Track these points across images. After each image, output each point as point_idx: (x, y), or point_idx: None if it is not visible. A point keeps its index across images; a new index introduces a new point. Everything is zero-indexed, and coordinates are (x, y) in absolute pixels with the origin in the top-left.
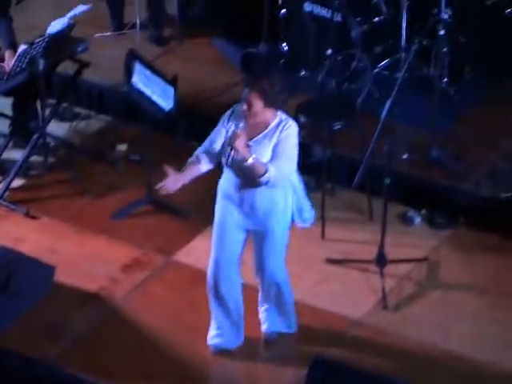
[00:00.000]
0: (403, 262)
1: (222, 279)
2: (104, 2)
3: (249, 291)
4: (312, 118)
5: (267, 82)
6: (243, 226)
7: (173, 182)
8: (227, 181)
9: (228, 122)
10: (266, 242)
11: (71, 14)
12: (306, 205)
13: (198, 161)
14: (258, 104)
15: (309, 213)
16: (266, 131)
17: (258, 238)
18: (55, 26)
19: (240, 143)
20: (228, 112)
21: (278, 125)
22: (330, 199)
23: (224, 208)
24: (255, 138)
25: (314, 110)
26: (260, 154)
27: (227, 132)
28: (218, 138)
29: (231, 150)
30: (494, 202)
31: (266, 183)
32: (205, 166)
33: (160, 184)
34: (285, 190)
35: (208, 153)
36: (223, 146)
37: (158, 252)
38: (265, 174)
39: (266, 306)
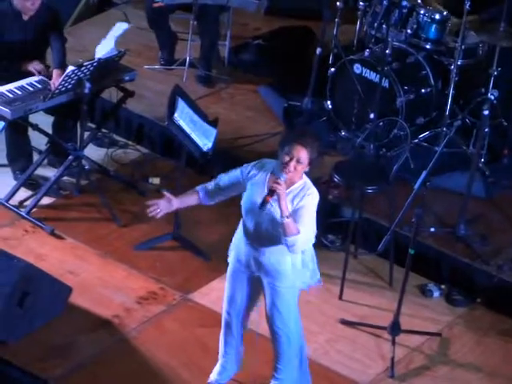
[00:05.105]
0: (416, 333)
1: (234, 317)
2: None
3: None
4: (346, 178)
5: (315, 141)
6: (256, 274)
7: (167, 204)
8: (240, 237)
9: (252, 175)
10: (273, 296)
11: (113, 34)
12: (313, 269)
13: (197, 193)
14: (305, 161)
15: (312, 278)
16: (290, 189)
17: (267, 288)
18: (102, 48)
19: (283, 194)
20: (254, 164)
21: (302, 188)
22: (353, 261)
23: (236, 261)
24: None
25: (349, 171)
26: (275, 209)
27: (252, 185)
28: (229, 182)
29: (268, 194)
30: None
31: (291, 246)
32: (203, 200)
33: (152, 202)
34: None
35: (211, 192)
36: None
37: (175, 288)
38: (294, 235)
39: (273, 373)
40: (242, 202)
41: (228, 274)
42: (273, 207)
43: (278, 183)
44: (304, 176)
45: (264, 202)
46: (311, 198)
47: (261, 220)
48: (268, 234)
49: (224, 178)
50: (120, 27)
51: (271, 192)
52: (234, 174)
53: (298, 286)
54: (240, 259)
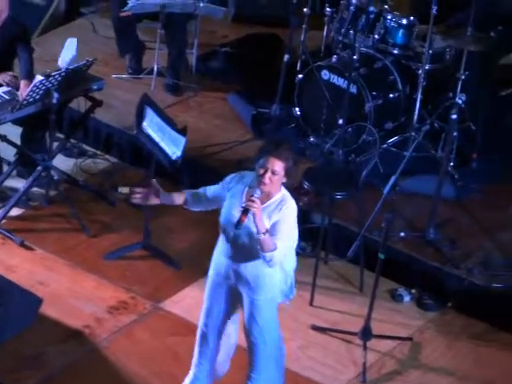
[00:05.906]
0: (387, 338)
1: (211, 328)
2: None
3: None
4: (315, 185)
5: (289, 151)
6: (235, 286)
7: (151, 195)
8: (220, 250)
9: (231, 186)
10: (251, 309)
11: (67, 51)
12: (291, 284)
13: (184, 195)
14: (280, 172)
15: (289, 293)
16: (268, 203)
17: (246, 300)
18: (65, 57)
19: (258, 212)
20: (233, 176)
21: (280, 202)
22: (323, 267)
23: (215, 274)
24: None
25: (318, 177)
26: (252, 224)
27: (231, 196)
28: (213, 194)
29: (243, 213)
30: (484, 290)
31: (269, 261)
32: (188, 204)
33: (138, 190)
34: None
35: (197, 198)
36: (215, 203)
37: (146, 297)
38: (272, 251)
39: (247, 382)
40: (221, 215)
41: (207, 287)
42: (250, 221)
43: (252, 201)
44: (282, 189)
45: (239, 222)
46: (288, 212)
47: (238, 233)
48: (246, 247)
49: (210, 190)
50: (71, 43)
51: (245, 211)
52: (217, 187)
53: (277, 299)
54: (219, 272)
